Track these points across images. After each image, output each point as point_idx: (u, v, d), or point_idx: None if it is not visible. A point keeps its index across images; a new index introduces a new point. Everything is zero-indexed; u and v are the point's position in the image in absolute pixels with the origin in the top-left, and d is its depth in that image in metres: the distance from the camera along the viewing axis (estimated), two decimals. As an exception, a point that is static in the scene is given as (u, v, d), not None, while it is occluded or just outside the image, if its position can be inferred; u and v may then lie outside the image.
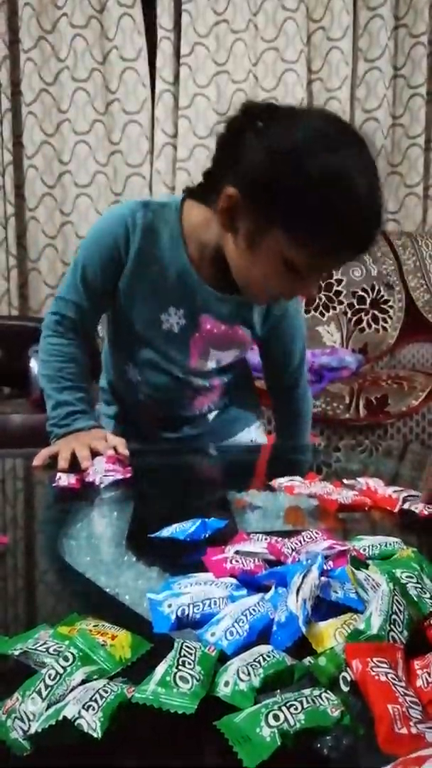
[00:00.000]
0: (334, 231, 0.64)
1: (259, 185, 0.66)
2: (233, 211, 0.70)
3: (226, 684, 0.28)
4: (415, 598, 0.32)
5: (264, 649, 0.29)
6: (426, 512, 0.53)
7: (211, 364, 0.85)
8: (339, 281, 2.01)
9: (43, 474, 0.71)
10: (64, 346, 0.82)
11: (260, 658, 0.29)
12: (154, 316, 0.80)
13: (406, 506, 0.54)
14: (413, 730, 0.25)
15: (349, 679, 0.27)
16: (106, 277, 0.79)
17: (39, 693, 0.27)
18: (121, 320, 0.83)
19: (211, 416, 0.92)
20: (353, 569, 0.35)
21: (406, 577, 0.34)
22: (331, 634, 0.31)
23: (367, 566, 0.38)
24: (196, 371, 0.85)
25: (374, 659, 0.27)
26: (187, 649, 0.29)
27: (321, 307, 1.96)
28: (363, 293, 2.00)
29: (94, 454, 0.71)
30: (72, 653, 0.29)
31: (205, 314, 0.81)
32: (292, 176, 0.63)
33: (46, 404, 0.82)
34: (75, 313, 0.82)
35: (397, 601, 0.31)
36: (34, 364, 1.50)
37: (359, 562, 0.37)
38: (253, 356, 0.95)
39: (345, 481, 0.63)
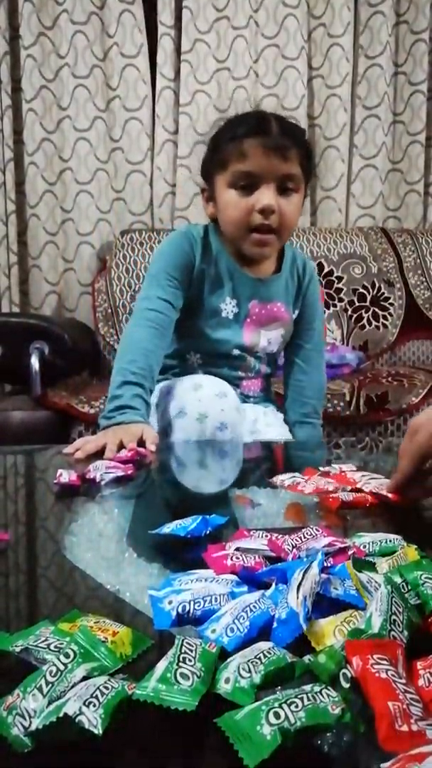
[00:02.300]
0: (232, 136, 0.90)
1: (203, 164, 0.98)
2: (207, 200, 0.98)
3: (227, 681, 0.28)
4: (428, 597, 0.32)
5: (265, 645, 0.29)
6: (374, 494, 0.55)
7: (263, 343, 1.02)
8: (339, 278, 2.00)
9: (45, 471, 0.71)
10: (145, 341, 0.91)
11: (261, 654, 0.28)
12: (216, 306, 0.98)
13: (360, 485, 0.57)
14: (414, 727, 0.25)
15: (349, 675, 0.27)
16: (182, 271, 0.96)
17: (40, 689, 0.27)
18: (191, 311, 0.98)
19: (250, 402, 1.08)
20: (356, 571, 0.35)
21: (425, 578, 0.34)
22: (331, 631, 0.31)
23: (372, 566, 0.38)
24: (249, 349, 1.01)
25: (374, 656, 0.27)
26: (187, 645, 0.29)
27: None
28: (363, 290, 2.00)
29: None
30: (73, 650, 0.29)
31: (252, 300, 0.99)
32: (211, 140, 0.96)
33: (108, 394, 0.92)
34: (160, 306, 0.93)
35: (395, 602, 0.31)
36: (35, 361, 1.50)
37: (363, 563, 0.37)
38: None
39: (321, 468, 0.65)
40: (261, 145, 0.87)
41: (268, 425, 1.03)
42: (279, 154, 0.87)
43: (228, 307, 0.98)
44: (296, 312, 1.05)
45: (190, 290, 0.97)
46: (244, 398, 1.05)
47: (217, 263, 0.98)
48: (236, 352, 1.00)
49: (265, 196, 0.88)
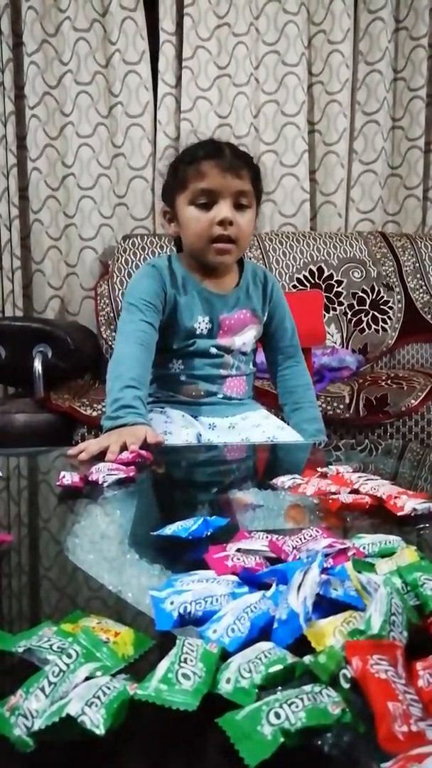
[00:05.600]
0: (191, 160, 1.00)
1: (163, 189, 1.07)
2: (170, 221, 1.06)
3: (228, 681, 0.28)
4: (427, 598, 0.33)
5: (265, 646, 0.30)
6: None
7: (238, 344, 1.08)
8: (339, 282, 2.01)
9: (48, 472, 0.71)
10: (137, 354, 0.97)
11: (261, 655, 0.29)
12: (191, 326, 1.05)
13: (356, 486, 0.59)
14: (413, 728, 0.25)
15: (349, 676, 0.27)
16: (156, 298, 1.02)
17: (42, 690, 0.27)
18: (168, 331, 1.05)
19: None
20: (356, 572, 0.35)
21: (424, 579, 0.34)
22: (331, 631, 0.31)
23: (372, 567, 0.38)
24: (226, 348, 1.07)
25: (374, 656, 0.27)
26: (189, 646, 0.29)
27: (322, 308, 1.96)
28: (363, 294, 2.01)
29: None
30: (75, 650, 0.29)
31: (221, 315, 1.06)
32: (171, 166, 1.05)
33: (106, 402, 0.95)
34: (144, 327, 0.99)
35: (395, 603, 0.31)
36: (38, 364, 1.51)
37: (363, 565, 0.37)
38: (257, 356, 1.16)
39: (319, 469, 0.66)
40: (217, 166, 0.98)
41: (271, 425, 1.04)
42: (233, 172, 0.98)
43: (202, 324, 1.05)
44: (266, 314, 1.12)
45: (164, 315, 1.04)
46: (228, 400, 1.08)
47: (185, 286, 1.05)
48: (213, 350, 1.06)
49: (223, 209, 0.98)
